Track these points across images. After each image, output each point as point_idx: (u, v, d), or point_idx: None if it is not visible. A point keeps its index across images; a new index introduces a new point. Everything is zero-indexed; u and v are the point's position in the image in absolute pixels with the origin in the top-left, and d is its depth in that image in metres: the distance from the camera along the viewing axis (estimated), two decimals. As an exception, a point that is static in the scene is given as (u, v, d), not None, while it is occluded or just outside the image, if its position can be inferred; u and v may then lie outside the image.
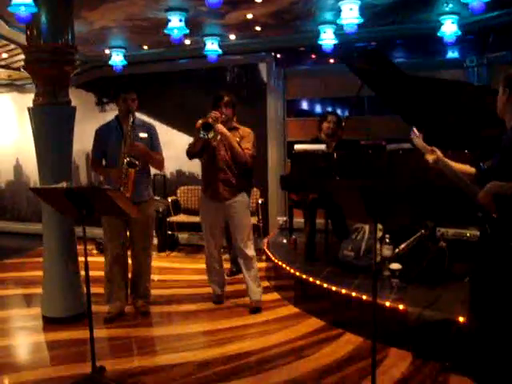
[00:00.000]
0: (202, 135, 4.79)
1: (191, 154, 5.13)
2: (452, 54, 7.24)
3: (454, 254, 4.83)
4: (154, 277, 6.35)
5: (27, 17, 4.61)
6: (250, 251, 5.23)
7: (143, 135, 5.03)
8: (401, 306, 4.22)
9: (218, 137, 4.93)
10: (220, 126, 4.88)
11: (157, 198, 8.24)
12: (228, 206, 5.10)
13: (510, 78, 3.06)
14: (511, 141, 2.95)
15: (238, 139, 5.04)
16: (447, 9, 5.91)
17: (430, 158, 3.28)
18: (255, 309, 5.18)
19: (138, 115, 7.34)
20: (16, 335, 4.94)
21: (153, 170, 5.42)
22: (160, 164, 5.23)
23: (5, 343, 4.65)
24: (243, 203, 5.16)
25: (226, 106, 5.05)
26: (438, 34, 6.29)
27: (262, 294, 5.34)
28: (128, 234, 5.17)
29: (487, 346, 3.07)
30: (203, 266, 5.78)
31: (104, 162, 5.12)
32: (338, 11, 5.58)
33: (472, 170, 3.27)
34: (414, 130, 3.41)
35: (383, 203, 3.12)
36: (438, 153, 3.26)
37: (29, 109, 4.99)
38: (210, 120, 4.80)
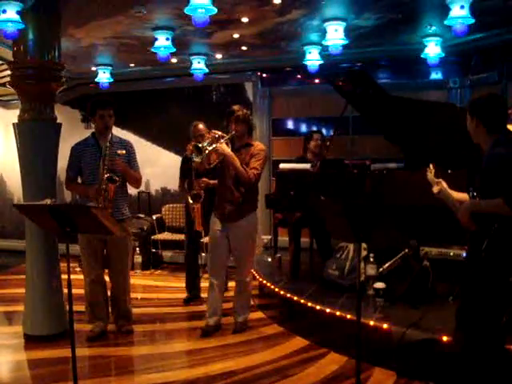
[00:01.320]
0: (193, 158, 4.68)
1: (200, 173, 5.12)
2: (435, 76, 7.36)
3: (438, 274, 4.86)
4: (138, 295, 6.33)
5: (14, 33, 4.62)
6: (248, 276, 5.15)
7: (121, 152, 4.95)
8: (385, 325, 4.22)
9: (220, 157, 4.75)
10: (219, 146, 4.67)
11: (141, 215, 8.24)
12: (234, 226, 4.90)
13: (473, 106, 3.15)
14: (488, 164, 3.02)
15: (247, 158, 4.84)
16: (431, 31, 6.02)
17: (435, 189, 3.37)
18: (239, 330, 5.09)
19: (124, 132, 7.39)
20: (-4, 353, 4.87)
21: (133, 190, 5.34)
22: (137, 181, 5.13)
23: (-15, 361, 4.58)
24: (250, 225, 4.96)
25: (237, 122, 4.82)
26: (422, 56, 6.41)
27: (247, 312, 5.30)
28: (105, 252, 5.07)
29: (474, 365, 3.08)
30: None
31: (79, 180, 5.03)
32: (324, 32, 5.66)
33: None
34: (431, 166, 3.48)
35: (367, 222, 3.14)
36: (443, 184, 3.35)
37: (14, 124, 4.96)
38: (205, 142, 4.67)
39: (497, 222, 2.93)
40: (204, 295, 5.79)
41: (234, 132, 4.82)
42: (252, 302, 5.81)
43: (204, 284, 5.95)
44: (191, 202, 5.70)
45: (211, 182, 5.49)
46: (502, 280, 2.97)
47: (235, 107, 4.91)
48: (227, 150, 4.74)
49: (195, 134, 5.78)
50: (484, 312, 3.04)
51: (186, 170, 5.92)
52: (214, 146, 4.66)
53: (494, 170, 2.97)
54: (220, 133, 4.78)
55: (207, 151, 4.62)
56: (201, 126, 5.82)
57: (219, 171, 4.96)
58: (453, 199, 3.29)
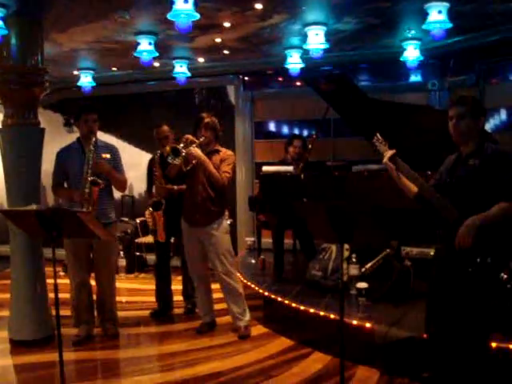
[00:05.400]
0: (169, 160, 4.70)
1: (169, 178, 5.09)
2: (415, 78, 7.48)
3: (419, 273, 4.95)
4: (122, 298, 6.35)
5: (-3, 39, 4.62)
6: (237, 284, 5.09)
7: (106, 156, 4.99)
8: (368, 324, 4.30)
9: (194, 161, 4.80)
10: (194, 150, 4.74)
11: (125, 219, 8.24)
12: (205, 232, 4.94)
13: (480, 106, 3.18)
14: (498, 160, 3.04)
15: (218, 162, 4.91)
16: (410, 35, 6.12)
17: (387, 155, 3.37)
18: (244, 335, 5.05)
19: (107, 136, 7.40)
20: (-18, 359, 4.86)
21: (116, 193, 5.33)
22: (122, 184, 5.18)
23: (-30, 367, 4.57)
24: (221, 229, 4.98)
25: (206, 129, 4.91)
26: (401, 59, 6.50)
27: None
28: (91, 256, 5.11)
29: (458, 361, 3.17)
30: (174, 287, 5.82)
31: (66, 185, 5.05)
32: (305, 36, 5.73)
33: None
34: (377, 135, 3.48)
35: (350, 223, 3.21)
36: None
37: (-3, 130, 4.97)
38: (181, 145, 4.70)
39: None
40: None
41: (203, 138, 4.87)
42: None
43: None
44: (151, 210, 5.51)
45: (175, 187, 5.42)
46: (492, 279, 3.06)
47: (204, 114, 5.01)
48: (201, 153, 4.82)
49: (160, 136, 5.67)
50: (453, 308, 3.13)
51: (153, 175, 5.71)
52: (189, 148, 4.73)
53: (504, 168, 3.00)
54: (191, 137, 4.83)
55: (183, 153, 4.68)
56: (165, 127, 5.71)
57: (188, 176, 4.98)
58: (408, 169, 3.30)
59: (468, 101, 3.15)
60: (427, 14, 4.96)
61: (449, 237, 3.13)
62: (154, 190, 5.68)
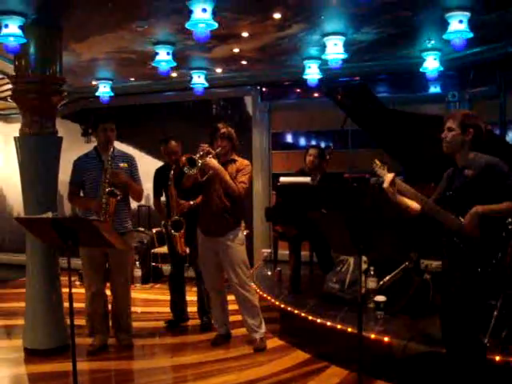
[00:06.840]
0: (185, 170, 4.64)
1: (185, 189, 5.01)
2: (434, 89, 7.41)
3: (439, 286, 4.86)
4: (138, 309, 6.32)
5: (16, 47, 4.64)
6: (253, 296, 5.04)
7: (123, 165, 4.99)
8: (386, 339, 4.22)
9: (210, 171, 4.76)
10: (210, 160, 4.70)
11: (141, 229, 8.24)
12: (221, 242, 4.88)
13: (470, 119, 3.30)
14: (490, 170, 3.20)
15: (234, 172, 4.86)
16: (429, 45, 6.06)
17: (387, 180, 3.43)
18: (260, 348, 4.99)
19: (124, 146, 7.42)
20: (-4, 367, 4.85)
21: (133, 203, 5.30)
22: (139, 195, 5.15)
23: (-15, 376, 4.56)
24: (237, 240, 4.91)
25: (222, 138, 4.86)
26: (421, 70, 6.44)
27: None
28: (107, 266, 5.09)
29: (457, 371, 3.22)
30: (189, 298, 5.77)
31: (81, 194, 5.05)
32: (323, 46, 5.70)
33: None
34: (376, 160, 3.56)
35: (369, 236, 3.16)
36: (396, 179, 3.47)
37: (15, 138, 4.98)
38: (197, 155, 4.64)
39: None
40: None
41: (220, 149, 4.83)
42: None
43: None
44: (173, 231, 5.30)
45: (191, 203, 5.37)
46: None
47: (219, 124, 4.95)
48: (217, 163, 4.77)
49: (168, 151, 5.62)
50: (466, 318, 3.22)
51: (161, 186, 5.68)
52: (205, 159, 4.68)
53: (500, 176, 3.17)
54: (208, 147, 4.77)
55: (200, 164, 4.63)
56: (173, 142, 5.65)
57: (205, 187, 4.93)
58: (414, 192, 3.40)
59: (457, 116, 3.35)
60: (448, 23, 4.91)
61: (452, 248, 3.31)
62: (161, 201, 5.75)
